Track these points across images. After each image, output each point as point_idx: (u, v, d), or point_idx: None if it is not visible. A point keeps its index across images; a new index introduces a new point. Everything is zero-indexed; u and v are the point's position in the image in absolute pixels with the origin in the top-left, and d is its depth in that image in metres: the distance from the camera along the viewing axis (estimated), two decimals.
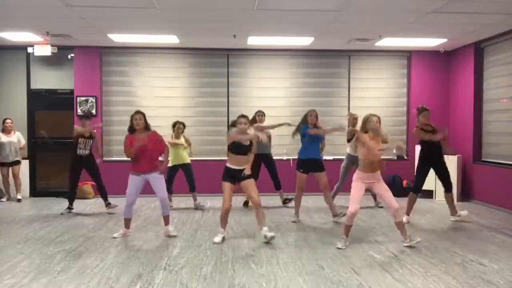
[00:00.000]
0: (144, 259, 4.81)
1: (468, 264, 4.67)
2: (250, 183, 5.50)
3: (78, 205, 7.96)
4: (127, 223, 5.86)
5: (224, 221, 5.59)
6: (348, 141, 7.57)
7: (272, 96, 9.29)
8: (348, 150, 7.74)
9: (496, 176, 7.80)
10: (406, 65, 9.52)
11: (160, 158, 5.93)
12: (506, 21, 6.83)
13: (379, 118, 5.28)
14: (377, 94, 9.46)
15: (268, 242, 5.34)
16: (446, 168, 6.58)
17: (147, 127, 5.71)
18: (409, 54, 9.40)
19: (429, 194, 8.50)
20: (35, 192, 9.02)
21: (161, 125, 8.52)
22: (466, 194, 8.51)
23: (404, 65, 9.54)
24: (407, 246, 5.20)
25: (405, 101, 9.53)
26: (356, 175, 5.27)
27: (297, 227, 6.37)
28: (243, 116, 5.59)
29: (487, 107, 8.33)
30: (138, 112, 5.74)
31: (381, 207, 7.67)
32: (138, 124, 5.63)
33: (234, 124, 5.72)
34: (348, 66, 9.45)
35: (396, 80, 9.55)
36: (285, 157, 9.00)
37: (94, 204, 8.17)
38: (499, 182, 7.68)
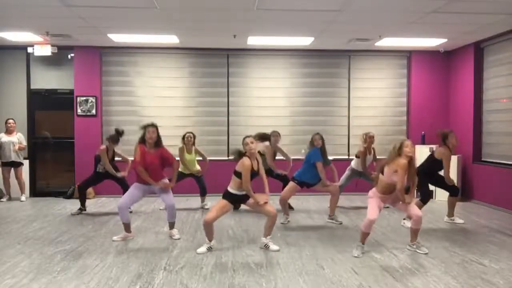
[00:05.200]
0: (144, 259, 4.81)
1: (468, 264, 4.67)
2: (251, 201, 5.11)
3: (78, 205, 7.96)
4: (127, 227, 5.67)
5: (209, 232, 5.15)
6: (357, 156, 7.43)
7: (272, 96, 9.29)
8: (353, 164, 7.52)
9: (496, 176, 7.80)
10: (406, 65, 9.52)
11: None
12: (506, 21, 6.83)
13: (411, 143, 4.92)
14: (377, 94, 9.46)
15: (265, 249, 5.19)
16: (442, 179, 6.42)
17: (157, 142, 5.54)
18: (409, 54, 9.39)
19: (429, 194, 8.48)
20: (35, 192, 9.01)
21: (160, 125, 8.49)
22: (466, 194, 8.51)
23: (404, 65, 9.53)
24: (410, 250, 5.13)
25: (405, 101, 9.52)
26: (373, 194, 5.00)
27: (297, 227, 6.36)
28: (247, 136, 5.11)
29: (487, 107, 8.33)
30: (152, 125, 5.54)
31: (387, 207, 7.61)
32: (151, 138, 5.45)
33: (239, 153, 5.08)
34: (348, 66, 9.44)
35: (396, 80, 9.54)
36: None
37: (94, 204, 8.17)
38: (499, 182, 7.68)
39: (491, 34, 7.78)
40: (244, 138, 5.07)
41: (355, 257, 4.88)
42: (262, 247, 5.19)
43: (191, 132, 7.59)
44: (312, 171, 6.32)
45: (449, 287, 4.02)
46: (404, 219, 6.43)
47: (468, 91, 8.61)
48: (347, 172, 7.56)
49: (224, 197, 5.12)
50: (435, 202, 8.33)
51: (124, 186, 7.31)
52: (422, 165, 6.40)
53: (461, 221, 6.63)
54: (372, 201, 4.97)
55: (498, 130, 8.02)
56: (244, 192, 5.04)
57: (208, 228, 5.10)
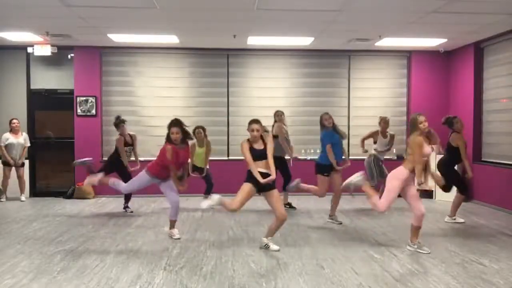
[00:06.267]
0: (144, 259, 4.80)
1: (468, 264, 4.67)
2: (274, 194, 5.04)
3: (78, 205, 7.98)
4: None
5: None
6: (375, 142, 7.53)
7: (272, 96, 9.28)
8: (374, 151, 7.55)
9: (496, 176, 7.80)
10: (406, 65, 9.52)
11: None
12: (506, 21, 6.83)
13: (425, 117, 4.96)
14: (377, 94, 9.46)
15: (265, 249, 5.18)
16: (457, 174, 6.62)
17: (184, 140, 5.48)
18: (409, 54, 9.39)
19: (429, 194, 8.50)
20: (35, 192, 9.01)
21: (160, 125, 8.53)
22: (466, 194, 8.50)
23: (404, 65, 9.53)
24: (410, 250, 5.11)
25: (405, 101, 9.52)
26: (402, 174, 4.97)
27: (297, 227, 6.35)
28: (255, 121, 5.07)
29: (487, 107, 8.33)
30: (174, 124, 5.41)
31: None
32: (176, 139, 5.38)
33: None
34: (348, 66, 9.44)
35: (396, 80, 9.54)
36: (308, 157, 8.95)
37: (94, 204, 8.17)
38: (499, 182, 7.67)
39: (491, 34, 7.78)
40: (250, 123, 5.05)
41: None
42: (262, 247, 5.19)
43: (201, 127, 7.63)
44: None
45: (449, 287, 4.02)
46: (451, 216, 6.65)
47: (468, 91, 8.61)
48: (372, 163, 7.50)
49: (247, 179, 5.03)
50: (435, 202, 8.34)
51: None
52: (441, 159, 6.67)
53: (462, 220, 6.63)
54: (395, 188, 4.96)
55: (498, 130, 8.02)
56: (266, 171, 4.98)
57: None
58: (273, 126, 7.51)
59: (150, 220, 6.81)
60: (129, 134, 7.29)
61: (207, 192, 7.79)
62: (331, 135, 6.38)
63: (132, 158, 7.37)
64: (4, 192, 8.54)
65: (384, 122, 7.51)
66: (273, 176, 4.97)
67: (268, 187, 5.02)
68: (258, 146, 5.04)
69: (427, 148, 4.93)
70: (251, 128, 5.01)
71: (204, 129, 7.62)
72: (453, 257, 4.89)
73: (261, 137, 5.08)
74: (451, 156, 6.55)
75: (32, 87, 9.04)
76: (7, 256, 4.89)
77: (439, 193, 8.34)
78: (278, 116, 7.50)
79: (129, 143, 7.26)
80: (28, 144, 8.60)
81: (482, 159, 8.38)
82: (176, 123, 5.44)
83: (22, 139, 8.47)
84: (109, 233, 5.94)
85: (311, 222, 6.71)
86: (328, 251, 5.11)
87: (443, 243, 5.48)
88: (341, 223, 6.51)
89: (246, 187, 4.99)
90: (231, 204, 4.98)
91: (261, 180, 4.91)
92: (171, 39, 8.20)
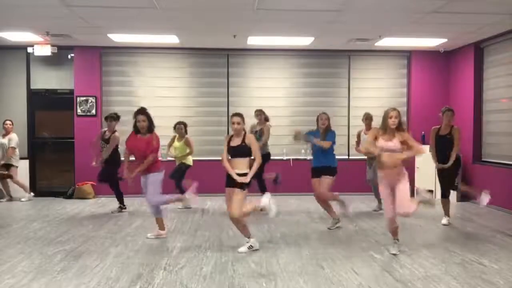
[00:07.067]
0: (144, 259, 4.80)
1: (468, 264, 4.67)
2: (233, 192, 4.93)
3: (78, 205, 7.98)
4: (159, 223, 5.70)
5: (241, 228, 5.08)
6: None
7: (272, 96, 9.28)
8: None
9: (496, 176, 7.79)
10: (406, 65, 9.52)
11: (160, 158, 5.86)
12: (506, 21, 6.82)
13: (398, 112, 4.83)
14: (377, 94, 9.45)
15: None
16: (447, 176, 6.48)
17: (150, 128, 5.52)
18: (409, 54, 9.39)
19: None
20: (35, 192, 9.00)
21: (160, 125, 8.51)
22: (466, 194, 8.49)
23: (404, 65, 9.53)
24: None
25: (405, 101, 9.52)
26: (379, 178, 4.98)
27: (297, 227, 6.35)
28: (236, 114, 5.06)
29: (487, 107, 8.33)
30: (141, 112, 5.50)
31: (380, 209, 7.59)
32: (143, 127, 5.46)
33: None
34: (348, 66, 9.44)
35: (396, 80, 9.54)
36: (285, 157, 8.99)
37: (94, 204, 8.17)
38: (499, 182, 7.67)
39: (491, 34, 7.78)
40: (231, 116, 5.09)
41: (393, 254, 4.91)
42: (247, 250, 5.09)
43: (182, 123, 7.79)
44: (326, 153, 6.07)
45: (449, 287, 4.02)
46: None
47: (468, 91, 8.61)
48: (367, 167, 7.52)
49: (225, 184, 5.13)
50: (435, 202, 8.32)
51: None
52: None
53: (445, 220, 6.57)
54: (383, 194, 4.96)
55: (498, 130, 8.02)
56: (239, 171, 4.95)
57: (237, 224, 5.04)
58: (262, 128, 7.36)
59: (150, 220, 6.79)
60: (114, 131, 7.31)
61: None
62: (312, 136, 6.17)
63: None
64: (7, 193, 8.52)
65: (366, 118, 7.37)
66: (247, 177, 4.89)
67: (232, 184, 4.96)
68: (234, 142, 5.02)
69: (382, 142, 4.83)
70: (232, 121, 5.03)
71: (185, 125, 7.79)
72: (453, 257, 4.89)
73: (244, 134, 5.04)
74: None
75: (32, 87, 9.03)
76: (7, 256, 4.89)
77: (439, 193, 8.32)
78: (259, 115, 7.41)
79: (105, 140, 7.30)
80: (12, 145, 8.38)
81: (482, 159, 8.38)
82: (142, 111, 5.53)
83: (6, 139, 8.39)
84: (109, 233, 5.94)
85: (311, 222, 6.71)
86: (328, 251, 5.11)
87: (443, 243, 5.48)
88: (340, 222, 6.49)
89: (226, 191, 5.07)
90: (230, 213, 5.02)
91: (235, 178, 4.89)
92: (171, 39, 8.20)
